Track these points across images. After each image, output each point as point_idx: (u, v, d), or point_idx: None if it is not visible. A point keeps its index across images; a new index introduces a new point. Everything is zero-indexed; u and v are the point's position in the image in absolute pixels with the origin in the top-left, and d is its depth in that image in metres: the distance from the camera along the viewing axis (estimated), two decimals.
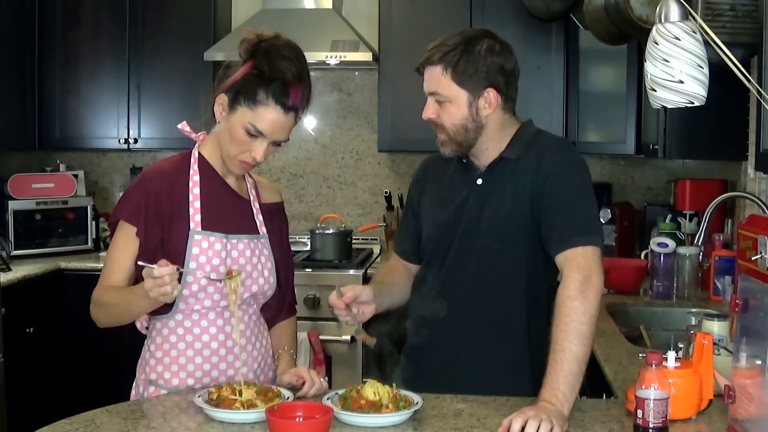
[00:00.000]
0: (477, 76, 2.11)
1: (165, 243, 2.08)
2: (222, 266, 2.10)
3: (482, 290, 2.17)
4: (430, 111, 2.16)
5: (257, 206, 2.23)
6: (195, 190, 2.13)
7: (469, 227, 2.18)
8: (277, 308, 2.29)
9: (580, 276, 1.97)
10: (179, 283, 1.92)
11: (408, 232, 2.38)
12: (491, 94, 2.13)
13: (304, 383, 2.06)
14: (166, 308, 2.11)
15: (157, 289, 1.88)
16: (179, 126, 2.21)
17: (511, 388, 2.08)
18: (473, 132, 2.15)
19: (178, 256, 2.06)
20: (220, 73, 2.12)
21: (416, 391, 1.99)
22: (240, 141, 2.06)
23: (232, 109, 2.05)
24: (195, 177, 2.14)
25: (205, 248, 2.09)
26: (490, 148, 2.18)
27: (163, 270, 1.88)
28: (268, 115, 2.02)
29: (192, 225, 2.10)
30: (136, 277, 2.09)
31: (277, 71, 2.02)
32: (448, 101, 2.13)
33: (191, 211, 2.11)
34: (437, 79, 2.12)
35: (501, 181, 2.17)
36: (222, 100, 2.07)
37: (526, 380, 2.11)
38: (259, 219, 2.21)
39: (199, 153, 2.18)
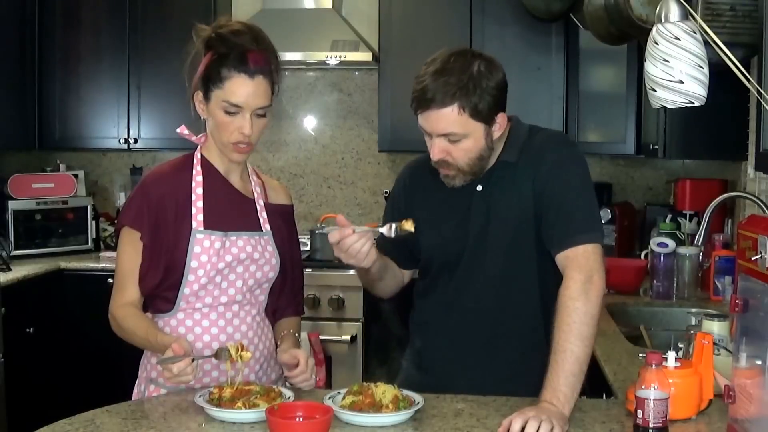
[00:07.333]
0: (490, 105, 2.02)
1: (169, 244, 2.10)
2: (222, 262, 2.11)
3: (496, 295, 2.15)
4: (440, 151, 2.05)
5: (261, 204, 2.23)
6: (198, 190, 2.14)
7: (479, 234, 2.14)
8: (286, 300, 2.28)
9: (582, 276, 1.96)
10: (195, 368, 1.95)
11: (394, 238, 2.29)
12: (501, 118, 2.08)
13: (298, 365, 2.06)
14: (167, 306, 2.13)
15: (176, 378, 1.92)
16: (178, 130, 2.23)
17: (532, 391, 1.97)
18: (486, 159, 2.11)
19: (180, 256, 2.09)
20: (187, 72, 2.17)
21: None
22: (224, 123, 2.09)
23: (208, 99, 2.10)
24: (198, 177, 2.16)
25: (207, 247, 2.10)
26: (490, 157, 2.14)
27: (180, 366, 1.91)
28: (236, 86, 2.06)
29: (194, 224, 2.11)
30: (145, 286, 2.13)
31: (231, 46, 2.08)
32: (464, 137, 2.03)
33: (194, 210, 2.12)
34: (452, 119, 2.00)
35: (502, 185, 2.13)
36: (198, 96, 2.13)
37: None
38: (262, 216, 2.22)
39: (201, 154, 2.19)
